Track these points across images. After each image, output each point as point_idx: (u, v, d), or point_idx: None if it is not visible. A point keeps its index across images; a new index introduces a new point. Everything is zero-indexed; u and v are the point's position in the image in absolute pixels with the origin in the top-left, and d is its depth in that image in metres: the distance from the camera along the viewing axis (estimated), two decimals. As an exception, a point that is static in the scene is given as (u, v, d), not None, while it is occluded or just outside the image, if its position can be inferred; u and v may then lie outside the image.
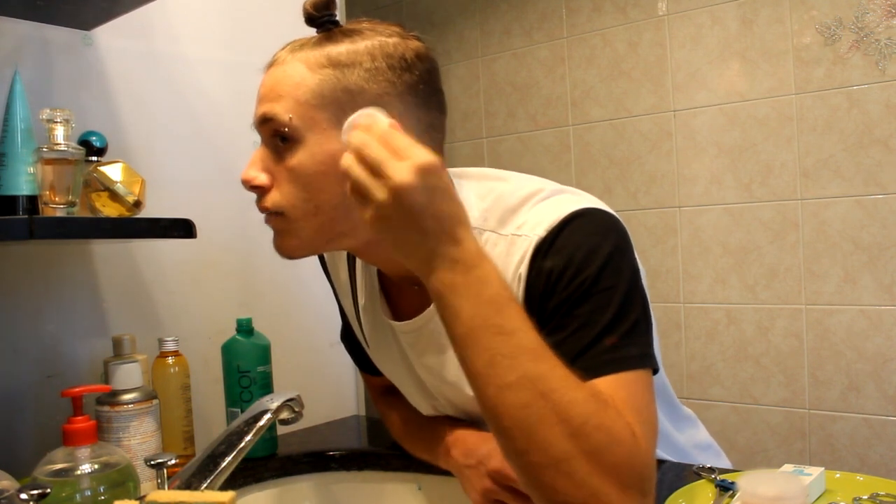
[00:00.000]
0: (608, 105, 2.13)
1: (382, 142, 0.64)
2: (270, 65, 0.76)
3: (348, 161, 0.65)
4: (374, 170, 0.63)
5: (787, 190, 1.86)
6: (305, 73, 0.72)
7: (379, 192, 0.62)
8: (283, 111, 0.72)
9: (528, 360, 0.62)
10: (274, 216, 0.76)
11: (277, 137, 0.74)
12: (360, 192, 0.64)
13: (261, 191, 0.76)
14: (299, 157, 0.73)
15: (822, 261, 1.82)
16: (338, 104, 0.72)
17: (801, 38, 1.82)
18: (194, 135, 1.26)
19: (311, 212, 0.74)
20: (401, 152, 0.63)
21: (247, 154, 1.32)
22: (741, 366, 1.95)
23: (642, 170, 2.07)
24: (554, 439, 0.60)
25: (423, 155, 0.63)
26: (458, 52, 2.41)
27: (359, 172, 0.64)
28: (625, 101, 2.10)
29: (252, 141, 1.33)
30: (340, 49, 0.73)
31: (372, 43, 0.73)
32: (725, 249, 1.96)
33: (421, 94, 0.74)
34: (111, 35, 1.14)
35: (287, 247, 0.77)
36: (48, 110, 0.91)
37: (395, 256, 0.67)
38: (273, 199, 0.75)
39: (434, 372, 0.86)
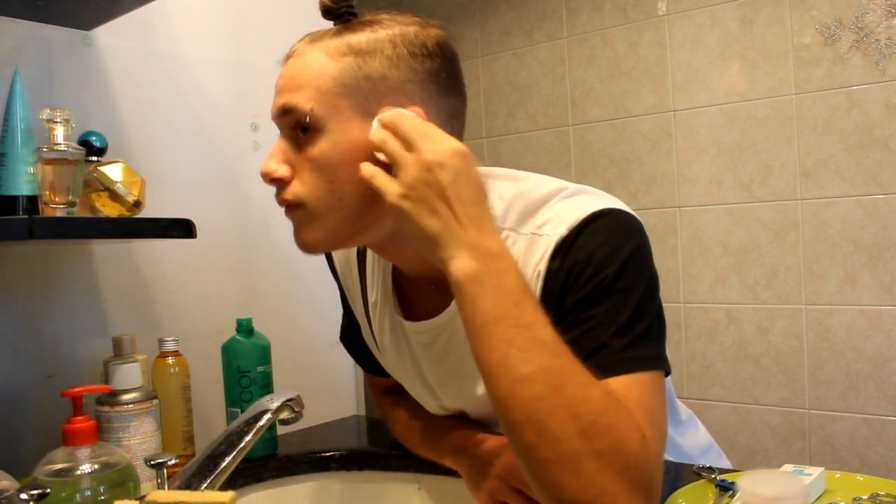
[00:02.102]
0: (608, 105, 2.13)
1: (415, 126, 0.68)
2: (288, 56, 0.74)
3: (381, 135, 0.68)
4: (407, 145, 0.67)
5: (787, 190, 1.86)
6: (326, 61, 0.71)
7: (410, 167, 0.66)
8: (304, 101, 0.71)
9: (544, 354, 0.62)
10: (294, 208, 0.74)
11: (298, 128, 0.72)
12: (391, 164, 0.67)
13: (281, 183, 0.74)
14: (321, 147, 0.71)
15: (822, 261, 1.82)
16: (360, 92, 0.71)
17: (801, 38, 1.82)
18: (194, 135, 1.26)
19: (335, 204, 0.72)
20: (433, 137, 0.67)
21: (247, 154, 1.33)
22: (741, 366, 1.95)
23: (642, 170, 2.07)
24: (564, 435, 0.60)
25: (454, 141, 0.68)
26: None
27: (393, 144, 0.67)
28: (625, 101, 2.10)
29: (252, 141, 1.33)
30: (361, 38, 0.72)
31: (392, 31, 0.72)
32: (725, 249, 1.96)
33: (442, 83, 0.74)
34: (111, 35, 1.14)
35: (309, 241, 0.75)
36: (48, 110, 0.91)
37: (416, 243, 0.67)
38: (294, 190, 0.73)
39: (446, 372, 0.86)
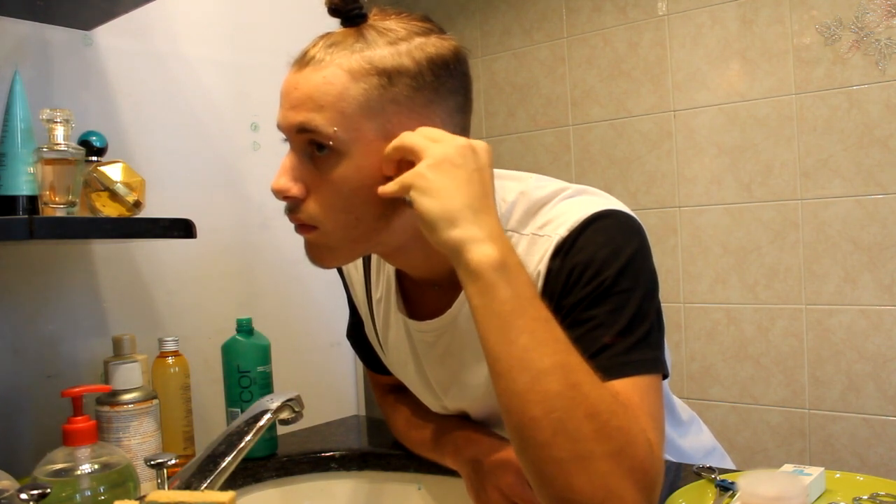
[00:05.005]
0: (608, 105, 2.13)
1: (436, 130, 0.69)
2: (304, 64, 0.70)
3: (399, 139, 0.68)
4: (434, 139, 0.67)
5: (787, 190, 1.86)
6: (348, 81, 0.68)
7: (440, 147, 0.66)
8: (325, 123, 0.68)
9: (561, 349, 0.62)
10: (308, 228, 0.72)
11: (314, 146, 0.70)
12: (412, 153, 0.66)
13: (294, 201, 0.72)
14: (343, 170, 0.69)
15: (822, 261, 1.82)
16: (384, 115, 0.69)
17: (801, 38, 1.82)
18: (195, 135, 1.26)
19: (352, 224, 0.71)
20: (457, 135, 0.69)
21: (247, 154, 1.33)
22: (741, 366, 1.95)
23: (642, 170, 2.08)
24: (580, 434, 0.60)
25: (480, 141, 0.69)
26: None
27: (415, 137, 0.67)
28: (625, 101, 2.10)
29: (252, 141, 1.33)
30: (383, 53, 0.69)
31: (413, 45, 0.70)
32: (725, 249, 1.96)
33: (459, 99, 0.74)
34: (111, 35, 1.14)
35: (325, 259, 0.75)
36: (48, 110, 0.91)
37: (430, 224, 0.65)
38: (309, 211, 0.71)
39: (448, 372, 0.86)
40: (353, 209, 0.71)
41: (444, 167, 0.65)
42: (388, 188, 0.68)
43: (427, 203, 0.64)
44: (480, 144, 0.68)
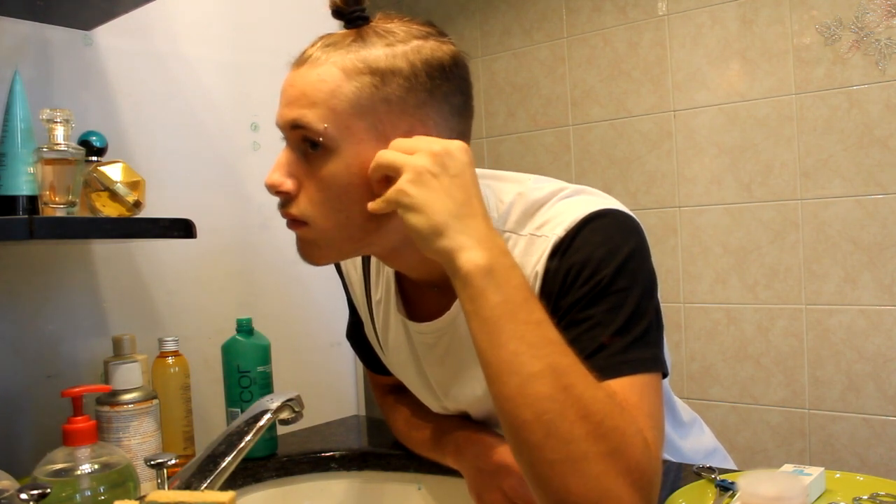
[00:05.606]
0: (608, 105, 2.13)
1: (413, 138, 0.69)
2: (301, 62, 0.71)
3: (378, 157, 0.68)
4: (409, 151, 0.67)
5: (787, 190, 1.86)
6: (342, 79, 0.69)
7: (417, 158, 0.66)
8: (316, 119, 0.69)
9: (553, 351, 0.62)
10: (299, 224, 0.73)
11: (307, 143, 0.70)
12: (391, 169, 0.67)
13: (286, 197, 0.72)
14: (332, 168, 0.70)
15: (822, 261, 1.82)
16: (375, 114, 0.69)
17: (801, 38, 1.82)
18: (195, 135, 1.26)
19: (342, 222, 0.72)
20: (434, 140, 0.69)
21: (247, 154, 1.33)
22: (741, 366, 1.95)
23: (642, 170, 2.08)
24: (572, 436, 0.60)
25: (456, 140, 0.69)
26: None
27: (392, 154, 0.67)
28: (625, 101, 2.10)
29: (252, 141, 1.33)
30: (378, 53, 0.69)
31: (409, 48, 0.70)
32: (725, 249, 1.96)
33: (455, 104, 0.74)
34: (111, 35, 1.14)
35: (314, 256, 0.75)
36: (48, 110, 0.91)
37: (420, 236, 0.66)
38: (300, 207, 0.72)
39: (448, 373, 0.86)
40: (342, 207, 0.71)
41: (423, 179, 0.65)
42: (376, 206, 0.69)
43: (413, 219, 0.65)
44: (456, 146, 0.67)
